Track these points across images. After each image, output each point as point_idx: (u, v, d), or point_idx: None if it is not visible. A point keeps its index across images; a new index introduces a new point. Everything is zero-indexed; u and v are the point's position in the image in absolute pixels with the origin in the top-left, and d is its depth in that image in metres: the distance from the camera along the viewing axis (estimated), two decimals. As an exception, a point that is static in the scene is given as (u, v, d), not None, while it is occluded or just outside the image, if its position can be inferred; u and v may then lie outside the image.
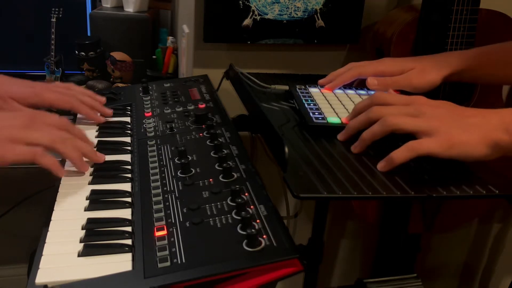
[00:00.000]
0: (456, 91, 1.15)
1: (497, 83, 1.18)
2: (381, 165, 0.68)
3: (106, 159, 0.77)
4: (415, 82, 0.91)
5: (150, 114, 0.93)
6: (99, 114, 0.90)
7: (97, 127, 0.88)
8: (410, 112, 0.70)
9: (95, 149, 0.79)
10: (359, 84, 0.97)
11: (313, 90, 0.93)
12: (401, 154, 0.67)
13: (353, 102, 0.88)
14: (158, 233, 0.59)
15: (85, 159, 0.75)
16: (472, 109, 0.70)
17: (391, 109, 0.71)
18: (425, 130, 0.67)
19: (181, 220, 0.61)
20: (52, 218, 0.64)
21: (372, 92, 0.93)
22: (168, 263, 0.54)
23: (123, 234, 0.60)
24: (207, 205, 0.63)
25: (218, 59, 1.21)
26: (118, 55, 1.36)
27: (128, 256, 0.57)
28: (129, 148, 0.82)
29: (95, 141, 0.82)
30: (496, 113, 0.68)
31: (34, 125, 0.71)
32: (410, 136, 0.69)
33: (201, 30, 1.16)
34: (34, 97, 0.84)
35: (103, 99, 0.94)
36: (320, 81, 0.97)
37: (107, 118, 0.91)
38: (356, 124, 0.74)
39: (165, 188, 0.69)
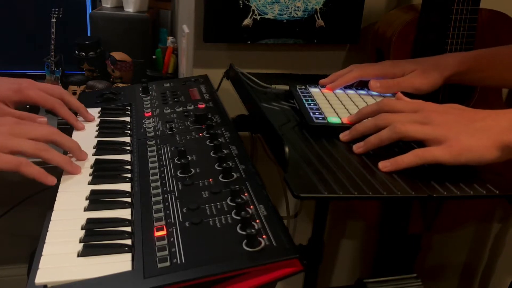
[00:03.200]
0: (456, 90, 1.14)
1: (497, 86, 1.18)
2: (384, 165, 0.68)
3: (107, 159, 0.77)
4: (417, 83, 0.91)
5: (150, 114, 0.93)
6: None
7: (97, 127, 0.88)
8: (418, 119, 0.70)
9: (94, 149, 0.80)
10: (360, 84, 0.97)
11: (314, 90, 0.93)
12: (407, 159, 0.67)
13: (353, 102, 0.88)
14: (158, 233, 0.59)
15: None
16: (482, 111, 0.70)
17: (400, 117, 0.71)
18: (433, 138, 0.67)
19: (181, 220, 0.61)
20: (52, 218, 0.63)
21: (374, 93, 0.93)
22: (168, 263, 0.54)
23: (122, 234, 0.60)
24: (206, 205, 0.63)
25: (218, 59, 1.20)
26: (118, 55, 1.36)
27: (127, 256, 0.57)
28: (129, 148, 0.81)
29: (95, 141, 0.82)
30: (507, 114, 0.68)
31: (20, 132, 0.71)
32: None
33: (201, 30, 1.16)
34: (18, 94, 0.84)
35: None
36: (321, 81, 0.97)
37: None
38: (363, 128, 0.74)
39: (165, 188, 0.68)
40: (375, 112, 0.75)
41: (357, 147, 0.73)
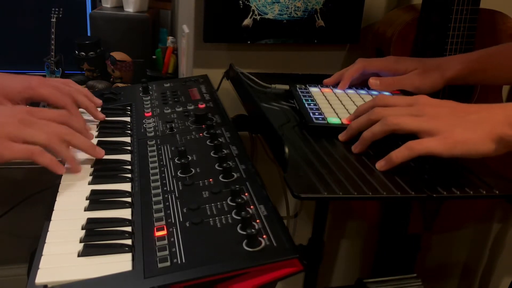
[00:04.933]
0: (456, 90, 1.14)
1: (500, 84, 1.19)
2: (380, 164, 0.68)
3: (107, 159, 0.77)
4: (418, 83, 0.91)
5: (150, 114, 0.93)
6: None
7: (97, 127, 0.88)
8: (411, 112, 0.70)
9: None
10: (361, 83, 0.97)
11: (314, 90, 0.93)
12: (400, 153, 0.67)
13: (353, 102, 0.88)
14: (158, 233, 0.59)
15: (85, 156, 0.75)
16: (476, 105, 0.69)
17: (393, 110, 0.71)
18: (426, 130, 0.67)
19: (181, 220, 0.61)
20: (52, 218, 0.64)
21: (374, 93, 0.93)
22: (168, 263, 0.54)
23: (123, 234, 0.60)
24: (207, 205, 0.63)
25: (218, 59, 1.20)
26: (118, 55, 1.36)
27: (128, 256, 0.57)
28: (129, 148, 0.81)
29: (95, 141, 0.82)
30: (501, 107, 0.67)
31: (32, 121, 0.71)
32: (412, 136, 0.69)
33: (201, 30, 1.16)
34: (28, 91, 0.83)
35: (99, 101, 0.93)
36: (326, 81, 0.97)
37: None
38: (357, 125, 0.74)
39: (165, 188, 0.68)
40: (370, 108, 0.74)
41: (354, 147, 0.73)
